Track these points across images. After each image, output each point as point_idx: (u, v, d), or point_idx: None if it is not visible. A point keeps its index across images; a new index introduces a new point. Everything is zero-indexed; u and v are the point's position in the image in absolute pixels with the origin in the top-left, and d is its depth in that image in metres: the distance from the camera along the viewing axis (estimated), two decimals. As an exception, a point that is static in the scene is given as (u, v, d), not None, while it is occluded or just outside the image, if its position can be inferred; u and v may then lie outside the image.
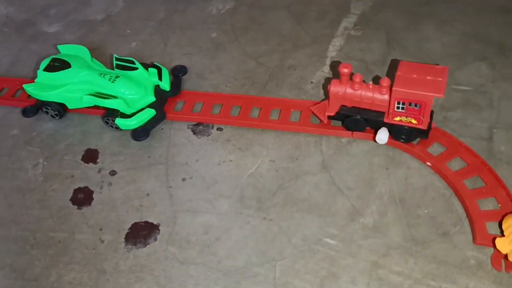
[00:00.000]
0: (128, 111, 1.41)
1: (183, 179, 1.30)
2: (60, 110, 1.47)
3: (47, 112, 1.49)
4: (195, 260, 1.13)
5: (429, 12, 1.67)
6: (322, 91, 1.47)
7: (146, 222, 1.22)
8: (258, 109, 1.43)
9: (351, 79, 1.25)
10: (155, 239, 1.18)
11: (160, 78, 1.49)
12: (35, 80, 1.48)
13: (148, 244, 1.18)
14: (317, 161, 1.29)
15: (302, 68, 1.56)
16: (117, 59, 1.49)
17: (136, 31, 1.80)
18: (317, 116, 1.35)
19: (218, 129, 1.42)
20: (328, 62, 1.56)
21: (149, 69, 1.50)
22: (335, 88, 1.26)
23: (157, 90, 1.47)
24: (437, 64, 1.22)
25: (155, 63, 1.53)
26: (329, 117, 1.32)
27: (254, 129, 1.40)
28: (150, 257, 1.15)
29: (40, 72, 1.47)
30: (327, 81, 1.49)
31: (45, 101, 1.46)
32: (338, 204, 1.20)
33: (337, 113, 1.30)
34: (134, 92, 1.42)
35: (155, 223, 1.22)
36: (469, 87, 1.41)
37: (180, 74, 1.55)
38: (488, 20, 1.60)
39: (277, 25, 1.73)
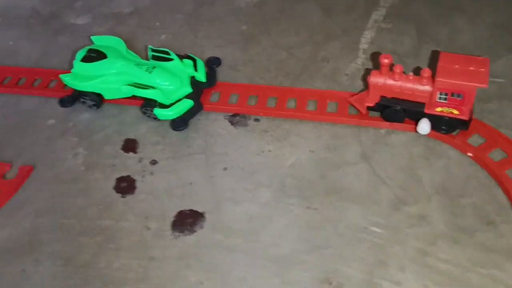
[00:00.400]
0: (166, 102, 1.42)
1: (224, 169, 1.32)
2: (97, 100, 1.49)
3: (84, 102, 1.50)
4: (242, 248, 1.15)
5: (459, 4, 1.69)
6: (357, 83, 1.49)
7: (191, 210, 1.24)
8: (294, 100, 1.44)
9: (391, 69, 1.27)
10: (201, 227, 1.20)
11: (195, 69, 1.50)
12: (72, 71, 1.49)
13: (195, 231, 1.19)
14: (357, 152, 1.31)
15: (335, 60, 1.57)
16: (152, 50, 1.50)
17: (164, 24, 1.81)
18: (355, 107, 1.36)
19: (255, 119, 1.43)
20: (360, 54, 1.58)
21: (184, 60, 1.51)
22: (375, 78, 1.28)
23: (193, 81, 1.49)
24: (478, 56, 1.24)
25: (189, 54, 1.54)
26: (368, 108, 1.34)
27: (291, 119, 1.41)
28: (198, 244, 1.17)
29: (76, 63, 1.48)
30: (362, 72, 1.51)
31: (82, 91, 1.48)
32: (380, 193, 1.22)
33: (377, 104, 1.31)
34: (171, 83, 1.44)
35: (200, 211, 1.23)
36: (504, 79, 1.42)
37: (214, 66, 1.57)
38: (518, 13, 1.62)
39: (307, 17, 1.74)
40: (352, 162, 1.29)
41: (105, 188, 1.30)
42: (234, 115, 1.45)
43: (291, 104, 1.44)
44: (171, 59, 1.48)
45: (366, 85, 1.31)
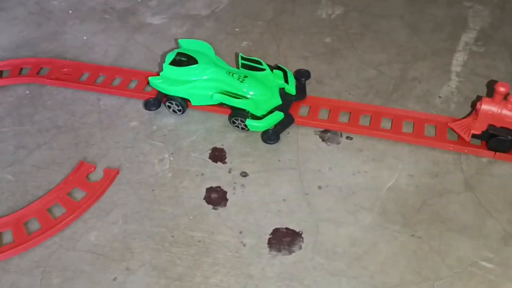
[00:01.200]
0: (258, 113, 1.38)
1: (319, 187, 1.27)
2: (184, 105, 1.45)
3: (169, 107, 1.46)
4: (346, 273, 1.10)
5: (552, 32, 1.64)
6: (452, 106, 1.44)
7: (288, 229, 1.19)
8: (389, 120, 1.40)
9: (505, 98, 1.22)
10: (300, 247, 1.16)
11: (286, 81, 1.46)
12: (160, 74, 1.45)
13: (293, 251, 1.15)
14: (459, 180, 1.26)
15: (426, 81, 1.53)
16: (243, 58, 1.46)
17: (244, 29, 1.77)
18: (458, 134, 1.31)
19: (347, 137, 1.38)
20: (453, 76, 1.53)
21: (275, 71, 1.47)
22: (487, 106, 1.23)
23: (283, 93, 1.45)
24: None
25: (279, 65, 1.50)
26: (473, 136, 1.29)
27: (386, 140, 1.37)
28: (297, 265, 1.12)
29: (166, 66, 1.44)
30: (457, 96, 1.46)
31: (169, 95, 1.44)
32: (488, 226, 1.16)
33: (484, 132, 1.26)
34: (262, 93, 1.40)
35: (297, 231, 1.19)
36: None
37: (303, 79, 1.52)
38: None
39: (392, 34, 1.70)
40: (455, 191, 1.24)
41: (195, 197, 1.27)
42: (325, 131, 1.40)
43: (386, 124, 1.39)
44: (262, 69, 1.44)
45: (471, 111, 1.26)
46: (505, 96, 1.21)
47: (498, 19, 1.71)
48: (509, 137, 1.23)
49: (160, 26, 1.82)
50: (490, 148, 1.28)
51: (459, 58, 1.59)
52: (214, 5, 1.88)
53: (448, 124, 1.34)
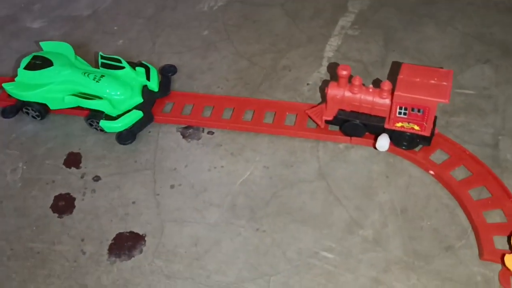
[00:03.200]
0: (114, 113, 1.33)
1: (171, 186, 1.23)
2: (42, 110, 1.39)
3: (27, 113, 1.40)
4: (183, 275, 1.06)
5: (429, 11, 1.61)
6: (318, 94, 1.40)
7: (131, 232, 1.14)
8: (251, 112, 1.36)
9: (349, 81, 1.18)
10: (141, 251, 1.11)
11: (148, 78, 1.41)
12: (15, 79, 1.39)
13: (133, 256, 1.10)
14: (314, 168, 1.23)
15: (298, 68, 1.49)
16: (102, 57, 1.40)
17: (123, 28, 1.72)
18: (313, 120, 1.28)
19: (209, 132, 1.34)
20: (325, 62, 1.49)
21: (137, 68, 1.42)
22: (333, 91, 1.19)
23: (145, 91, 1.40)
24: (441, 67, 1.15)
25: (142, 62, 1.45)
26: (326, 122, 1.25)
27: (247, 133, 1.32)
28: (135, 270, 1.08)
29: (20, 71, 1.39)
30: (324, 83, 1.43)
31: (25, 101, 1.38)
32: (335, 215, 1.13)
33: (335, 117, 1.23)
34: (120, 93, 1.35)
35: (140, 234, 1.14)
36: (472, 91, 1.34)
37: (170, 74, 1.48)
38: (490, 20, 1.54)
39: (271, 23, 1.65)
40: (308, 180, 1.20)
41: (42, 207, 1.21)
42: (187, 127, 1.36)
43: (248, 116, 1.35)
44: (122, 67, 1.39)
45: (325, 97, 1.23)
46: (349, 79, 1.18)
47: (378, 1, 1.67)
48: (358, 121, 1.20)
49: (38, 30, 1.76)
50: (344, 133, 1.24)
51: (333, 43, 1.55)
52: (96, 5, 1.83)
53: (305, 111, 1.30)
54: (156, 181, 1.24)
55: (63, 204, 1.21)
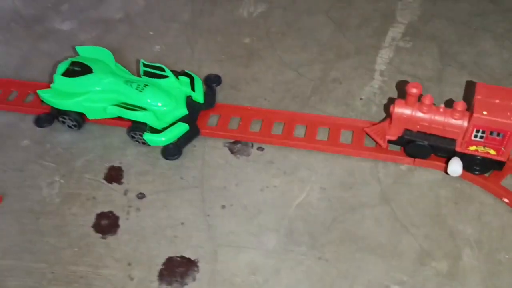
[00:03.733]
0: (158, 125, 1.25)
1: (222, 207, 1.15)
2: (79, 120, 1.31)
3: (63, 122, 1.32)
4: (242, 307, 0.98)
5: (484, 24, 1.53)
6: (373, 109, 1.32)
7: (182, 257, 1.06)
8: (303, 127, 1.28)
9: (419, 100, 1.11)
10: (194, 279, 1.03)
11: (192, 88, 1.33)
12: (51, 86, 1.31)
13: (186, 284, 1.02)
14: (375, 191, 1.15)
15: (348, 81, 1.41)
16: (145, 65, 1.32)
17: (159, 32, 1.63)
18: (374, 140, 1.20)
19: (258, 148, 1.26)
20: (377, 76, 1.42)
21: (180, 77, 1.34)
22: (400, 109, 1.11)
23: (189, 102, 1.31)
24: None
25: (186, 71, 1.37)
26: (389, 142, 1.17)
27: (300, 150, 1.24)
28: (189, 300, 1.00)
29: (57, 77, 1.30)
30: (379, 97, 1.35)
31: (62, 109, 1.30)
32: (403, 244, 1.05)
33: (400, 137, 1.15)
34: (164, 104, 1.26)
35: (192, 259, 1.06)
36: (540, 112, 1.26)
37: (214, 85, 1.39)
38: (550, 35, 1.47)
39: (316, 32, 1.57)
40: (370, 204, 1.12)
41: (83, 225, 1.13)
42: (235, 142, 1.28)
43: (300, 131, 1.27)
44: (165, 76, 1.31)
45: (387, 115, 1.15)
46: (419, 98, 1.10)
47: (429, 12, 1.60)
48: (426, 142, 1.12)
49: (68, 32, 1.67)
50: (408, 155, 1.16)
51: (384, 55, 1.48)
52: (129, 8, 1.74)
53: (364, 129, 1.22)
54: (205, 200, 1.16)
55: (107, 223, 1.13)
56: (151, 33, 1.63)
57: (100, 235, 1.11)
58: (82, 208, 1.16)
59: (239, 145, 1.27)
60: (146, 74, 1.32)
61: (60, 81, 1.30)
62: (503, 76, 1.37)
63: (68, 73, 1.30)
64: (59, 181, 1.22)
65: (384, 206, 1.12)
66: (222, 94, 1.40)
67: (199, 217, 1.13)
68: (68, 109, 1.29)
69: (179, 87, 1.31)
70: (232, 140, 1.28)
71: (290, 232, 1.09)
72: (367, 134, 1.21)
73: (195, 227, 1.11)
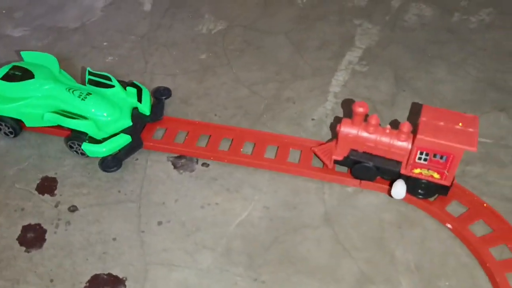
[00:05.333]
0: (99, 136, 1.19)
1: (159, 223, 1.09)
2: (16, 127, 1.24)
3: (-1, 129, 1.25)
4: (168, 330, 0.91)
5: (439, 52, 1.54)
6: (324, 130, 1.30)
7: (110, 275, 0.99)
8: (252, 145, 1.24)
9: (365, 120, 1.08)
10: (119, 299, 0.96)
11: (139, 100, 1.28)
12: (-11, 90, 1.25)
13: (110, 304, 0.95)
14: (319, 212, 1.11)
15: (302, 101, 1.38)
16: (90, 73, 1.27)
17: (113, 44, 1.59)
18: (321, 159, 1.16)
19: (203, 164, 1.21)
20: (331, 98, 1.40)
21: (127, 88, 1.29)
22: (346, 129, 1.09)
23: (135, 114, 1.26)
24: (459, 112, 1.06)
25: (134, 82, 1.33)
26: (335, 162, 1.14)
27: (246, 167, 1.20)
28: (111, 322, 0.93)
29: (-4, 81, 1.24)
30: (331, 119, 1.32)
31: (-2, 115, 1.23)
32: (343, 267, 1.01)
33: (346, 157, 1.12)
34: (107, 114, 1.21)
35: (120, 277, 0.99)
36: (489, 139, 1.26)
37: (163, 97, 1.35)
38: (504, 67, 1.48)
39: (275, 51, 1.56)
40: (312, 226, 1.08)
41: (7, 237, 1.05)
42: (180, 157, 1.23)
43: (248, 149, 1.23)
44: (111, 86, 1.26)
45: (335, 135, 1.12)
46: (365, 117, 1.07)
47: (387, 38, 1.60)
48: (371, 163, 1.09)
49: (19, 38, 1.61)
50: (354, 176, 1.13)
51: (339, 77, 1.46)
52: (85, 18, 1.70)
53: (311, 148, 1.19)
54: (141, 215, 1.10)
55: (32, 236, 1.05)
56: (105, 43, 1.59)
57: (24, 248, 1.03)
58: (8, 219, 1.09)
59: (183, 160, 1.22)
60: (91, 82, 1.27)
61: (-1, 85, 1.24)
62: (456, 103, 1.37)
63: (7, 78, 1.24)
64: (-13, 190, 1.15)
65: (326, 228, 1.08)
66: (172, 108, 1.36)
67: (132, 233, 1.07)
68: (4, 115, 1.22)
69: (124, 97, 1.27)
70: (176, 155, 1.23)
71: (228, 252, 1.03)
72: (314, 153, 1.18)
73: (127, 244, 1.05)
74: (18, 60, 1.32)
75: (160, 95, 1.35)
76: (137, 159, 1.22)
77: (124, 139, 1.20)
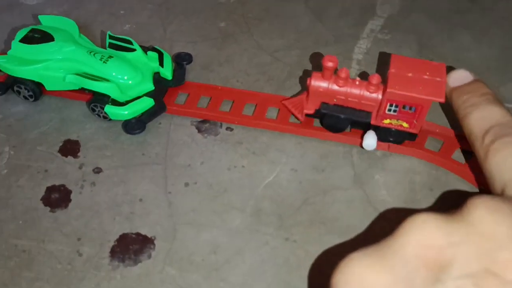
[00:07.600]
0: (121, 98, 1.16)
1: (186, 184, 1.07)
2: (36, 90, 1.22)
3: (19, 92, 1.22)
4: (201, 286, 0.89)
5: (463, 21, 1.51)
6: (349, 95, 1.27)
7: (138, 234, 0.97)
8: (276, 110, 1.21)
9: (335, 73, 1.06)
10: (149, 256, 0.94)
11: (161, 64, 1.25)
12: (8, 52, 1.22)
13: (140, 262, 0.93)
14: (348, 175, 1.09)
15: (325, 68, 1.36)
16: (111, 37, 1.24)
17: (131, 11, 1.56)
18: (292, 113, 1.15)
19: (227, 128, 1.19)
20: (354, 64, 1.37)
21: (149, 52, 1.26)
22: (317, 82, 1.07)
23: (157, 78, 1.24)
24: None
25: (155, 47, 1.30)
26: (307, 115, 1.13)
27: (271, 132, 1.18)
28: (142, 279, 0.91)
29: (15, 43, 1.21)
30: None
31: (18, 78, 1.20)
32: (375, 228, 0.99)
33: (317, 110, 1.10)
34: (129, 77, 1.18)
35: (149, 236, 0.97)
36: (517, 104, 1.24)
37: (184, 63, 1.32)
38: (528, 35, 1.45)
39: (295, 19, 1.53)
40: (342, 187, 1.06)
41: (31, 198, 1.03)
42: (203, 121, 1.20)
43: (272, 113, 1.20)
44: (133, 50, 1.23)
45: (305, 88, 1.11)
46: (335, 71, 1.05)
47: (408, 7, 1.57)
48: (343, 115, 1.07)
49: (34, 6, 1.58)
50: (325, 127, 1.13)
51: (362, 45, 1.44)
52: (101, -13, 1.66)
53: (281, 102, 1.18)
54: (167, 177, 1.08)
55: (57, 197, 1.03)
56: (122, 12, 1.56)
57: (48, 208, 1.01)
58: (31, 181, 1.06)
59: (207, 124, 1.20)
60: (112, 46, 1.24)
61: (18, 48, 1.21)
62: (482, 70, 1.34)
63: (27, 40, 1.21)
64: (8, 152, 1.12)
65: (357, 190, 1.06)
66: (192, 74, 1.33)
67: (159, 194, 1.04)
68: (24, 77, 1.20)
69: (146, 61, 1.24)
70: (200, 119, 1.21)
71: (257, 212, 1.01)
72: (285, 107, 1.17)
73: (154, 204, 1.03)
74: (33, 24, 1.29)
75: (182, 60, 1.32)
76: (160, 123, 1.20)
77: (147, 102, 1.18)
